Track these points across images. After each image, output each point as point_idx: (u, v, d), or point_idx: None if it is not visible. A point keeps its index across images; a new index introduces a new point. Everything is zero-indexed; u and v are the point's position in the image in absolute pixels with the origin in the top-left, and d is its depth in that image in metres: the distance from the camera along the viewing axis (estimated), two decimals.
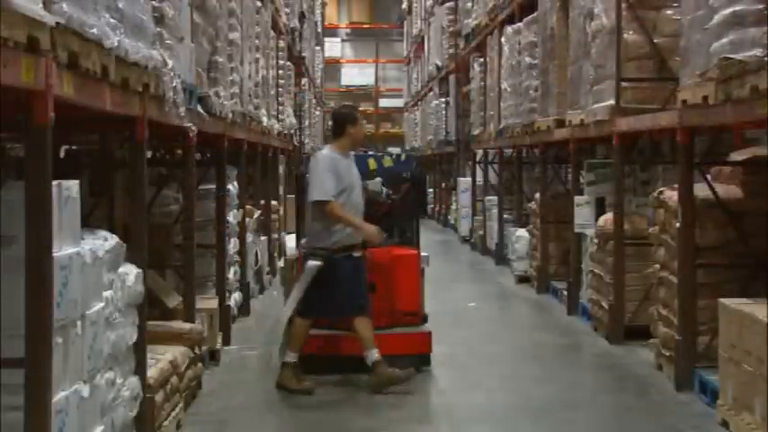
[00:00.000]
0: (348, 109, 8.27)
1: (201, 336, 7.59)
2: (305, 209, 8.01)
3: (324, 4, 36.40)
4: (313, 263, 7.55)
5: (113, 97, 4.91)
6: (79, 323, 4.31)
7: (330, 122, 8.32)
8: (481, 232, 18.10)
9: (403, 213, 8.53)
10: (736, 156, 8.07)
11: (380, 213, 8.26)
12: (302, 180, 8.46)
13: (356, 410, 7.19)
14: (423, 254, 8.44)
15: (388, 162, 8.64)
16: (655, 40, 8.89)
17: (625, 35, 8.97)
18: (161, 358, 6.30)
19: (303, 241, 7.97)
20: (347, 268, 7.59)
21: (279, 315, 8.06)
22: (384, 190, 8.35)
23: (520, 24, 13.99)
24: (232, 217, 10.14)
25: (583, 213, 10.36)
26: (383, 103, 42.45)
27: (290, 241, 9.87)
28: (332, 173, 7.53)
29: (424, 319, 8.34)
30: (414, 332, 8.17)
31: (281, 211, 16.37)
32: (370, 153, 9.02)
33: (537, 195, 13.20)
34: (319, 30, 33.18)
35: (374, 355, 7.50)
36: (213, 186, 9.44)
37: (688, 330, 7.45)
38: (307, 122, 25.25)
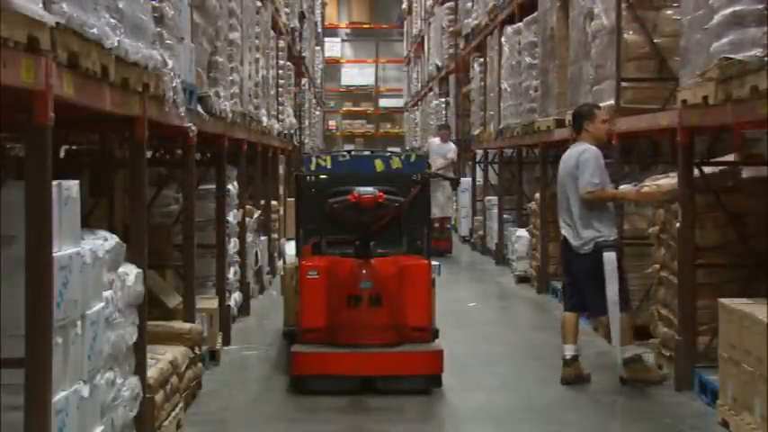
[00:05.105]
0: (586, 107, 8.27)
1: (201, 336, 7.59)
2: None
3: (324, 4, 36.38)
4: (609, 253, 7.75)
5: (113, 97, 4.91)
6: (79, 323, 4.30)
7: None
8: (481, 232, 18.09)
9: (412, 219, 7.94)
10: (737, 156, 8.07)
11: (388, 219, 7.86)
12: (302, 180, 8.20)
13: (357, 410, 7.20)
14: (433, 263, 7.84)
15: (396, 163, 8.07)
16: (655, 40, 8.88)
17: (625, 35, 8.96)
18: (161, 358, 6.30)
19: (586, 234, 7.99)
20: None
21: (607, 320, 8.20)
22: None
23: (520, 24, 13.98)
24: (232, 217, 10.13)
25: None
26: (383, 103, 42.39)
27: (290, 248, 9.73)
28: (598, 167, 7.85)
29: (435, 335, 7.72)
30: (423, 350, 7.53)
31: (281, 212, 16.37)
32: (378, 153, 8.51)
33: (537, 195, 13.19)
34: (319, 30, 33.16)
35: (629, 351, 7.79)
36: (213, 186, 9.43)
37: (688, 330, 7.45)
38: (307, 122, 25.24)
